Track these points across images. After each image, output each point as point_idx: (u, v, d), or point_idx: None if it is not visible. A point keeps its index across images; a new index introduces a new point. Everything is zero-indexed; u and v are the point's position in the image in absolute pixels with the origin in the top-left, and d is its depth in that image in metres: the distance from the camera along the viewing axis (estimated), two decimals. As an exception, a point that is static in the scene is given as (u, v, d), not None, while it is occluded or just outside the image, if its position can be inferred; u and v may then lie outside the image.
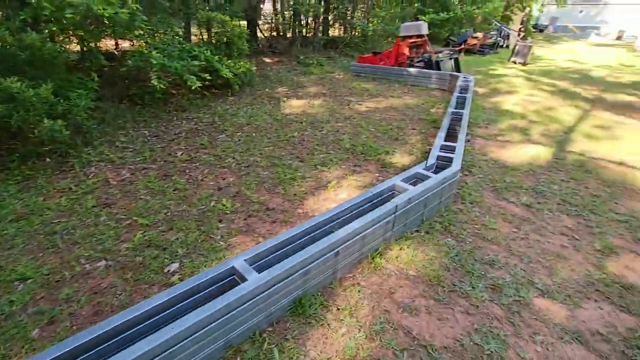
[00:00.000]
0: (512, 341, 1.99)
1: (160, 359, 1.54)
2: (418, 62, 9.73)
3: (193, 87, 5.40)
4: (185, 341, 1.61)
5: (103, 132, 4.90)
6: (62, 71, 4.41)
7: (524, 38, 15.46)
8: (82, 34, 5.13)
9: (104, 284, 2.38)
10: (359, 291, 2.31)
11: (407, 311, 2.18)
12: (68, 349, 1.51)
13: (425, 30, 9.71)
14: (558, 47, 19.51)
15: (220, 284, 2.00)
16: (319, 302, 2.20)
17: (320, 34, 13.28)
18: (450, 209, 3.29)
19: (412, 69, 8.83)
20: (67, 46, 5.09)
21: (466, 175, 4.01)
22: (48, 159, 4.09)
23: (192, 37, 10.10)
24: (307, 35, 13.57)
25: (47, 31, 4.18)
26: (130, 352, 1.47)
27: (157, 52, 5.61)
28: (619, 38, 27.04)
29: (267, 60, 10.94)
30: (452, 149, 3.62)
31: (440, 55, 9.62)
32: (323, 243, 2.16)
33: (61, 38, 4.94)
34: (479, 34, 15.54)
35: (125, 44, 9.93)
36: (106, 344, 1.63)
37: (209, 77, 5.91)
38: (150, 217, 3.11)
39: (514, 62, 12.59)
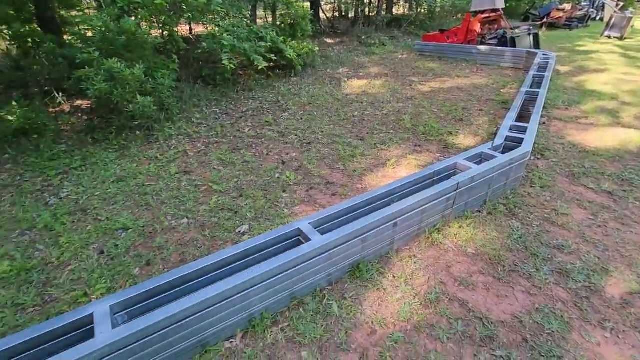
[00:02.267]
0: (577, 324, 1.92)
1: (238, 298, 1.79)
2: (490, 39, 9.03)
3: (260, 68, 5.68)
4: (258, 286, 1.84)
5: (181, 110, 5.42)
6: (150, 54, 4.93)
7: (623, 8, 13.40)
8: (164, 19, 5.65)
9: (187, 238, 2.74)
10: (415, 262, 2.38)
11: (464, 285, 2.19)
12: (167, 281, 1.83)
13: (501, 3, 8.92)
14: (667, 18, 16.55)
15: (285, 242, 2.20)
16: (376, 268, 2.31)
17: (383, 13, 12.90)
18: (517, 192, 3.14)
19: (482, 47, 8.24)
20: (151, 31, 5.67)
21: (538, 159, 3.75)
22: (138, 132, 4.67)
23: (258, 21, 10.50)
24: (370, 14, 13.25)
25: (140, 17, 4.69)
26: (214, 289, 1.72)
27: (228, 35, 5.98)
28: None
29: (329, 41, 10.96)
30: (523, 130, 3.41)
31: (516, 31, 8.82)
32: (382, 213, 2.25)
33: (146, 24, 5.51)
34: (566, 6, 13.81)
35: (197, 29, 10.63)
36: (194, 282, 1.93)
37: (274, 58, 6.15)
38: (223, 185, 3.45)
39: (608, 37, 11.06)
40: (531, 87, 4.93)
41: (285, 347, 1.86)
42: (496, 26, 9.58)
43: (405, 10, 15.53)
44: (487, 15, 9.16)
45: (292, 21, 7.53)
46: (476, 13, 9.12)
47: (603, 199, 3.03)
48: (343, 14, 14.58)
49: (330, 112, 5.34)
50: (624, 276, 2.23)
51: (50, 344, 1.63)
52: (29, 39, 5.16)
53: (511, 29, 9.14)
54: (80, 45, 4.81)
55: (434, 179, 2.83)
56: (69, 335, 1.65)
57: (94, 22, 4.16)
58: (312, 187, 3.39)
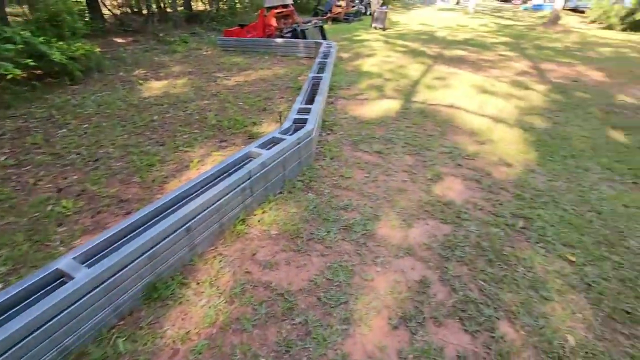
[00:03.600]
0: (358, 269, 2.27)
1: (-43, 392, 1.30)
2: (287, 32, 9.77)
3: (9, 77, 4.41)
4: (4, 356, 1.39)
5: None
6: None
7: (384, 5, 16.82)
8: None
9: None
10: (220, 261, 2.31)
11: (268, 267, 2.27)
12: None
13: (289, 0, 9.73)
14: (412, 13, 21.86)
15: (45, 290, 1.75)
16: (177, 281, 2.13)
17: (180, 8, 12.19)
18: (312, 166, 3.48)
19: (279, 40, 8.84)
20: None
21: (328, 134, 4.28)
22: None
23: (17, 18, 8.25)
24: (166, 10, 12.31)
25: None
26: None
27: (-56, 36, 4.38)
28: (457, 3, 31.50)
29: (119, 40, 9.60)
30: (307, 111, 3.79)
31: (306, 24, 9.83)
32: (169, 221, 2.06)
33: None
34: (342, 2, 16.29)
35: None
36: None
37: (32, 63, 4.90)
38: (-41, 240, 2.53)
39: (375, 28, 13.67)
40: (317, 73, 5.57)
41: (60, 418, 1.49)
42: (290, 21, 10.43)
43: (207, 6, 15.14)
44: (280, 10, 9.84)
45: (50, 17, 6.12)
46: (269, 9, 9.67)
47: (374, 158, 3.70)
48: (135, 9, 13.02)
49: (124, 121, 4.67)
50: (389, 217, 2.77)
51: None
52: None
53: (303, 23, 10.14)
54: None
55: (230, 171, 2.82)
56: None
57: None
58: (100, 210, 2.87)
